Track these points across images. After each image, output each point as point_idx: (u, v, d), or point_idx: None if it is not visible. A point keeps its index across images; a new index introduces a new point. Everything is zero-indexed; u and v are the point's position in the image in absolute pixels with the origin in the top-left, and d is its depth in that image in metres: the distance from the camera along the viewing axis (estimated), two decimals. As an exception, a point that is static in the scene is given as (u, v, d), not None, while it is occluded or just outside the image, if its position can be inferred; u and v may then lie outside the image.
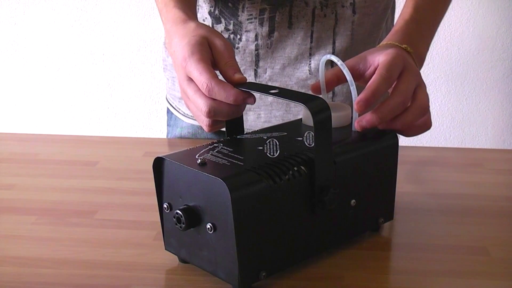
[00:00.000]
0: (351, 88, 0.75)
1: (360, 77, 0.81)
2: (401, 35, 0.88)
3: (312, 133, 0.71)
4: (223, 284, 0.67)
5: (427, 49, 0.93)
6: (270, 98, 1.07)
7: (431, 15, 0.95)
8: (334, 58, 0.75)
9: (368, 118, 0.74)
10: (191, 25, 0.82)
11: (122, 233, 0.79)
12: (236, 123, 0.76)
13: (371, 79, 0.76)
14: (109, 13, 2.07)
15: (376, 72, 0.77)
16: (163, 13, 0.88)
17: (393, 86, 0.78)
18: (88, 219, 0.82)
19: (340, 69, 0.77)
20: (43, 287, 0.68)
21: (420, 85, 0.78)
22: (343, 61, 0.76)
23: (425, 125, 0.80)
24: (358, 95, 0.75)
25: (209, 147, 0.71)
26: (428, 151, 1.08)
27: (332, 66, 1.03)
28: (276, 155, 0.68)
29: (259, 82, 1.05)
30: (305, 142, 0.72)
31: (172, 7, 0.87)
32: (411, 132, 0.79)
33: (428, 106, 0.79)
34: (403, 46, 0.84)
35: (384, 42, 0.88)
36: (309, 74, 1.05)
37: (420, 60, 0.88)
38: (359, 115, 0.75)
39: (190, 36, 0.79)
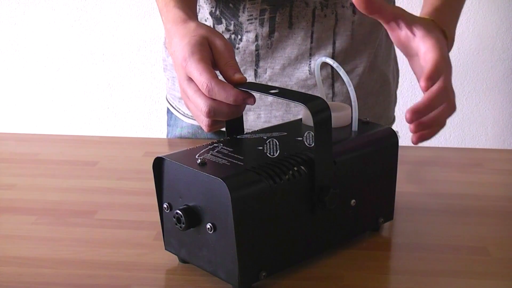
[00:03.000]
0: (349, 89, 0.75)
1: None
2: (440, 14, 0.85)
3: (312, 133, 0.71)
4: (223, 284, 0.67)
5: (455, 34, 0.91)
6: (270, 98, 1.07)
7: (457, 2, 0.95)
8: (329, 61, 0.75)
9: (422, 134, 0.76)
10: (192, 25, 0.82)
11: (122, 233, 0.79)
12: (236, 123, 0.76)
13: (429, 91, 0.74)
14: (109, 13, 2.07)
15: (436, 83, 0.75)
16: (163, 13, 0.88)
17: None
18: (88, 219, 0.82)
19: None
20: (43, 287, 0.68)
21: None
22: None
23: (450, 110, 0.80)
24: (355, 96, 0.74)
25: (209, 147, 0.71)
26: (428, 151, 1.08)
27: (331, 68, 1.03)
28: (276, 155, 0.68)
29: (259, 82, 1.05)
30: (305, 142, 0.72)
31: (173, 7, 0.87)
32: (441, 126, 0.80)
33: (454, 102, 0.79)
34: (444, 29, 0.83)
35: (425, 15, 0.85)
36: (309, 74, 1.05)
37: (451, 44, 0.87)
38: (409, 122, 0.73)
39: (190, 36, 0.79)
